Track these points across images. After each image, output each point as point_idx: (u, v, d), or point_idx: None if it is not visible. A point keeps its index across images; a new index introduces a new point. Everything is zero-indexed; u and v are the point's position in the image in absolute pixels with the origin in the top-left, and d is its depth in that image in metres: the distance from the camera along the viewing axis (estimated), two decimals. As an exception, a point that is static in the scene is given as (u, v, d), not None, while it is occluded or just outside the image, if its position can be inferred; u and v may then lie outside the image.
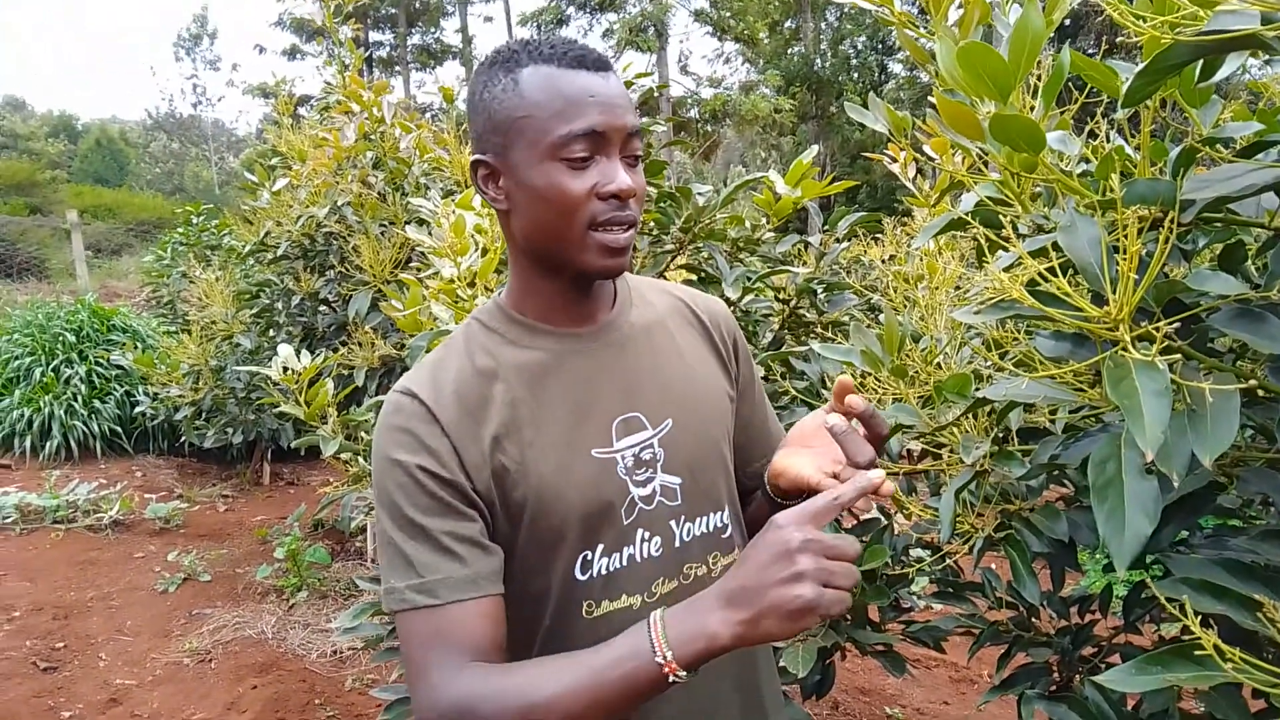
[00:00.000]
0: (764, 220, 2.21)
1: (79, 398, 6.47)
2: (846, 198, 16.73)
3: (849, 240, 2.35)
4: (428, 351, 1.15)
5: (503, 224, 1.00)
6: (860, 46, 20.78)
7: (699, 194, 2.12)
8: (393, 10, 27.70)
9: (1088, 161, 1.02)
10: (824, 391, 1.79)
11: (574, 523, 0.95)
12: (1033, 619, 1.59)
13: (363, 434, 2.26)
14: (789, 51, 20.98)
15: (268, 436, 5.58)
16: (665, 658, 0.78)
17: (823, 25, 21.44)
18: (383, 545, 0.92)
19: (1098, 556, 3.35)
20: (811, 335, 2.27)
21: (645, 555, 0.99)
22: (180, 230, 7.57)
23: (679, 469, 1.01)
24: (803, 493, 1.01)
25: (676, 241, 2.17)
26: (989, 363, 1.24)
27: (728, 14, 21.00)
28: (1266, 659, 0.75)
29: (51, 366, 6.60)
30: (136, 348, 6.00)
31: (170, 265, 7.43)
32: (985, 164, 1.04)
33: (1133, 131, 1.00)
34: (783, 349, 2.07)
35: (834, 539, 0.77)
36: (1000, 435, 1.23)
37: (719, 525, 1.06)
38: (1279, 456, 0.95)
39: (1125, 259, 0.77)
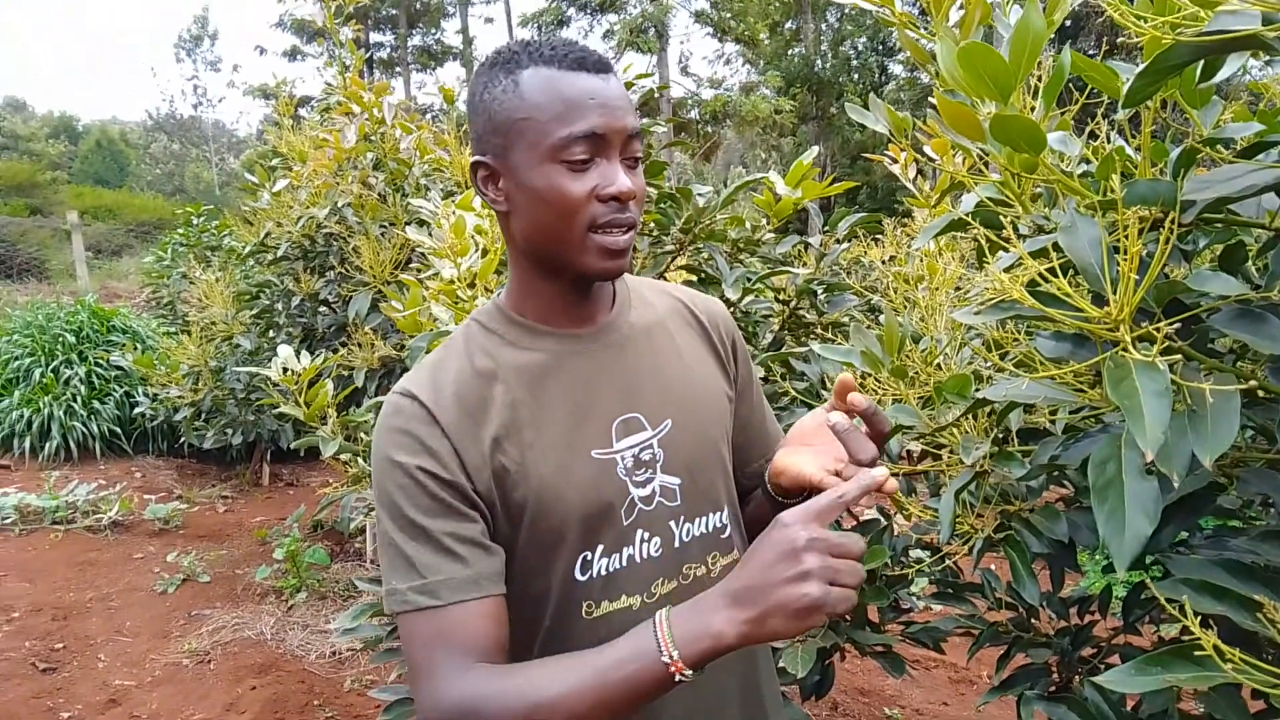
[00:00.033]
0: (764, 221, 2.21)
1: (78, 398, 6.47)
2: (847, 198, 16.75)
3: (849, 241, 2.35)
4: (427, 352, 1.15)
5: (502, 225, 1.00)
6: (861, 47, 20.80)
7: (699, 195, 2.12)
8: (393, 11, 27.73)
9: (1088, 162, 1.02)
10: (824, 392, 1.79)
11: (574, 523, 0.95)
12: (1032, 620, 1.59)
13: (362, 435, 2.26)
14: (789, 52, 21.00)
15: (267, 437, 5.58)
16: (671, 657, 0.78)
17: (823, 26, 21.46)
18: (383, 547, 0.92)
19: (1097, 557, 3.35)
20: (811, 336, 2.27)
21: (645, 556, 0.99)
22: (180, 231, 7.58)
23: (678, 469, 1.01)
24: (804, 491, 1.01)
25: (677, 242, 2.17)
26: (989, 363, 1.24)
27: (728, 15, 21.02)
28: (1266, 660, 0.75)
29: (51, 367, 6.60)
30: (136, 348, 6.00)
31: (170, 266, 7.43)
32: (986, 165, 1.04)
33: (1133, 132, 1.00)
34: (783, 350, 2.07)
35: (839, 537, 0.77)
36: (1000, 436, 1.23)
37: (718, 525, 1.06)
38: (1279, 457, 0.95)
39: (1126, 259, 0.77)
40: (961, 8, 1.08)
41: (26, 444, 6.24)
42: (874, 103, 1.40)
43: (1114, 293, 0.80)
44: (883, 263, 2.48)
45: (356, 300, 3.25)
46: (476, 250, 1.76)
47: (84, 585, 4.44)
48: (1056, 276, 0.81)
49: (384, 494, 0.92)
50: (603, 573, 0.97)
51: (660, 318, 1.09)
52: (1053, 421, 1.23)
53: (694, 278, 2.26)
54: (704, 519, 1.04)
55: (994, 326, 1.11)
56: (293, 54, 26.80)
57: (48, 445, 6.25)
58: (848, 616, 1.73)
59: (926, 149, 1.57)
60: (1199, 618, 0.74)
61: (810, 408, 1.08)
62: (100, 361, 6.69)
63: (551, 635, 0.97)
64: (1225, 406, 0.76)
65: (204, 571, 4.63)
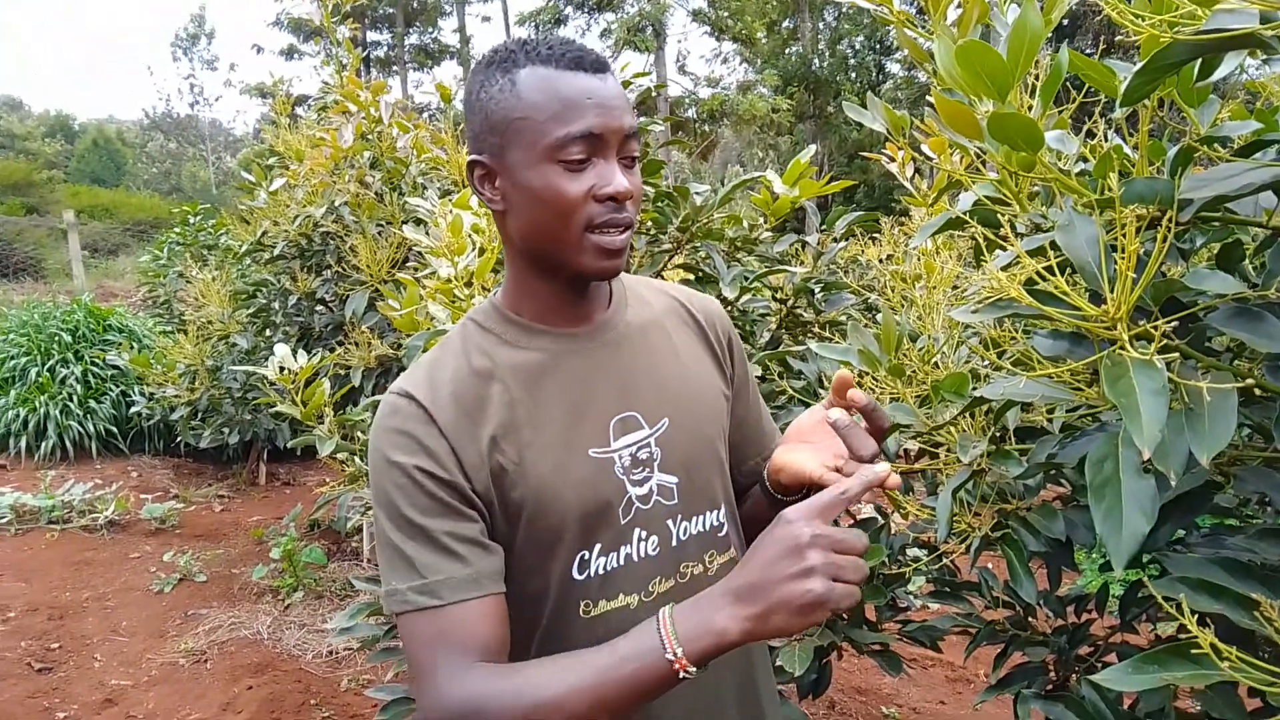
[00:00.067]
0: (761, 220, 2.21)
1: (75, 398, 6.46)
2: (844, 197, 16.73)
3: (846, 240, 2.35)
4: (424, 352, 1.15)
5: (499, 224, 0.99)
6: (858, 46, 20.81)
7: (696, 193, 2.12)
8: (390, 10, 27.69)
9: (1086, 160, 1.02)
10: (821, 391, 1.79)
11: (572, 523, 0.94)
12: (1029, 618, 1.59)
13: (359, 433, 2.26)
14: (787, 51, 21.00)
15: (264, 436, 5.58)
16: (675, 654, 0.78)
17: (820, 25, 21.46)
18: (382, 547, 0.92)
19: (1094, 556, 3.35)
20: (809, 335, 2.27)
21: (642, 554, 0.99)
22: (177, 230, 7.55)
23: (675, 468, 1.01)
24: (804, 488, 1.01)
25: (674, 241, 2.16)
26: (986, 362, 1.24)
27: (725, 14, 21.02)
28: (1263, 658, 0.75)
29: (47, 366, 6.58)
30: (132, 348, 6.01)
31: (167, 265, 7.41)
32: (983, 163, 1.04)
33: (1131, 131, 1.00)
34: (780, 348, 2.07)
35: (842, 533, 0.77)
36: (997, 434, 1.23)
37: (715, 524, 1.06)
38: (1276, 455, 0.95)
39: (1123, 258, 0.77)
40: (959, 6, 1.08)
41: (22, 443, 6.23)
42: (871, 101, 1.40)
43: (1111, 291, 0.80)
44: (880, 261, 2.48)
45: (353, 299, 3.24)
46: (474, 249, 1.76)
47: (80, 585, 4.43)
48: (1054, 275, 0.81)
49: (382, 494, 0.92)
50: (600, 572, 0.96)
51: (656, 316, 1.09)
52: (1050, 420, 1.23)
53: (691, 276, 2.26)
54: (701, 517, 1.04)
55: (991, 325, 1.11)
56: (290, 53, 26.75)
57: (44, 444, 6.24)
58: (845, 615, 1.73)
59: (924, 147, 1.57)
60: (1196, 616, 0.74)
61: (807, 406, 1.08)
62: (96, 361, 6.68)
63: (549, 634, 0.97)
64: (1222, 405, 0.76)
65: (200, 571, 4.62)
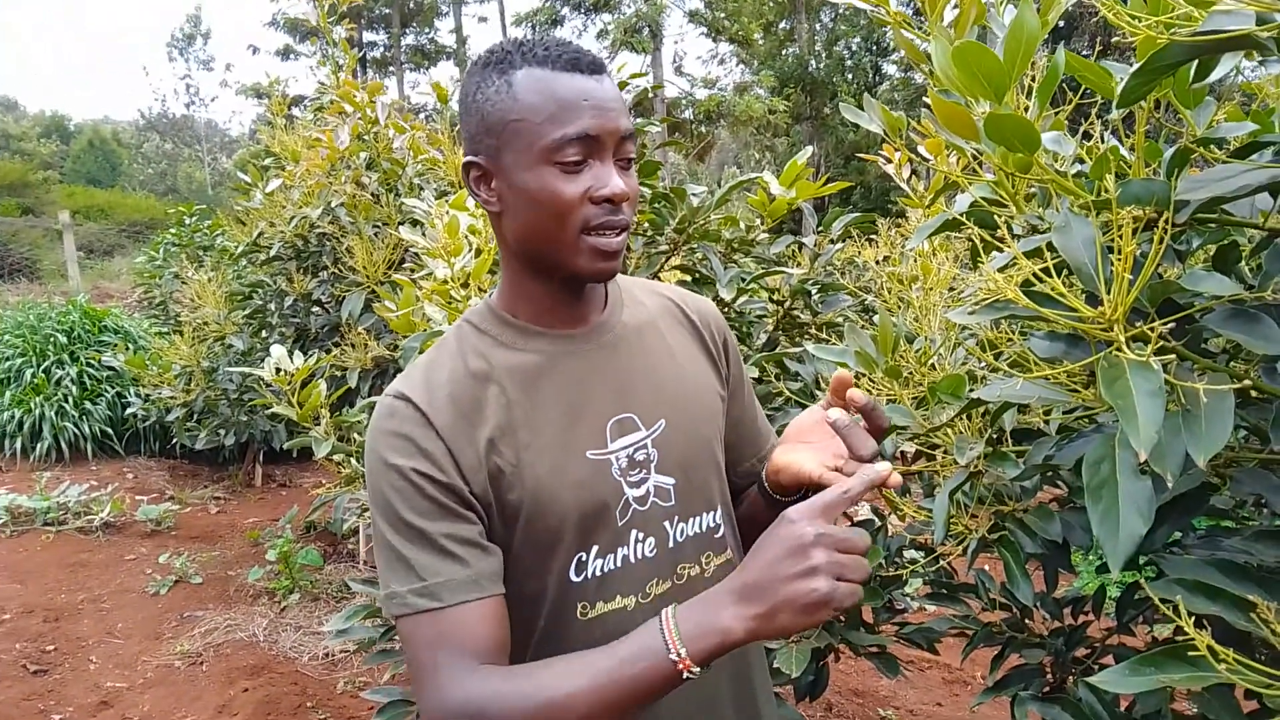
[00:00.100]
0: (758, 221, 2.21)
1: (70, 399, 6.44)
2: (841, 199, 16.78)
3: (843, 241, 2.35)
4: (420, 353, 1.15)
5: (494, 226, 0.99)
6: (855, 48, 20.84)
7: (693, 195, 2.12)
8: (387, 11, 27.68)
9: (1082, 162, 1.02)
10: (818, 393, 1.79)
11: (569, 524, 0.94)
12: (1026, 620, 1.59)
13: (355, 435, 2.25)
14: (783, 52, 21.02)
15: (260, 438, 5.57)
16: (679, 654, 0.78)
17: (817, 26, 21.49)
18: (380, 550, 0.92)
19: (1091, 557, 3.36)
20: (806, 336, 2.27)
21: (640, 556, 0.98)
22: (173, 231, 7.54)
23: (672, 469, 1.01)
24: (803, 488, 1.01)
25: (671, 242, 2.16)
26: (983, 363, 1.24)
27: (722, 15, 21.04)
28: (1260, 660, 0.75)
29: (42, 368, 6.56)
30: (128, 349, 5.98)
31: (162, 266, 7.40)
32: (980, 164, 1.04)
33: (1127, 132, 1.01)
34: (777, 350, 2.07)
35: (845, 532, 0.77)
36: (994, 436, 1.23)
37: (712, 525, 1.06)
38: (1272, 457, 0.95)
39: (1120, 259, 0.77)
40: (956, 7, 1.08)
41: (18, 445, 6.21)
42: (868, 102, 1.40)
43: (1108, 293, 0.80)
44: (877, 263, 2.48)
45: (350, 300, 3.24)
46: (470, 250, 1.75)
47: (75, 587, 4.42)
48: (1050, 276, 0.81)
49: (379, 497, 0.91)
50: (598, 573, 0.96)
51: (652, 317, 1.09)
52: (1047, 422, 1.23)
53: (688, 278, 2.26)
54: (698, 519, 1.04)
55: (988, 327, 1.11)
56: (286, 53, 26.73)
57: (39, 446, 6.22)
58: (842, 617, 1.73)
59: (921, 149, 1.57)
60: (1193, 618, 0.74)
61: (804, 408, 1.08)
62: (92, 362, 6.66)
63: (547, 636, 0.96)
64: (1219, 406, 0.76)
65: (196, 573, 4.61)
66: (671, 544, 1.01)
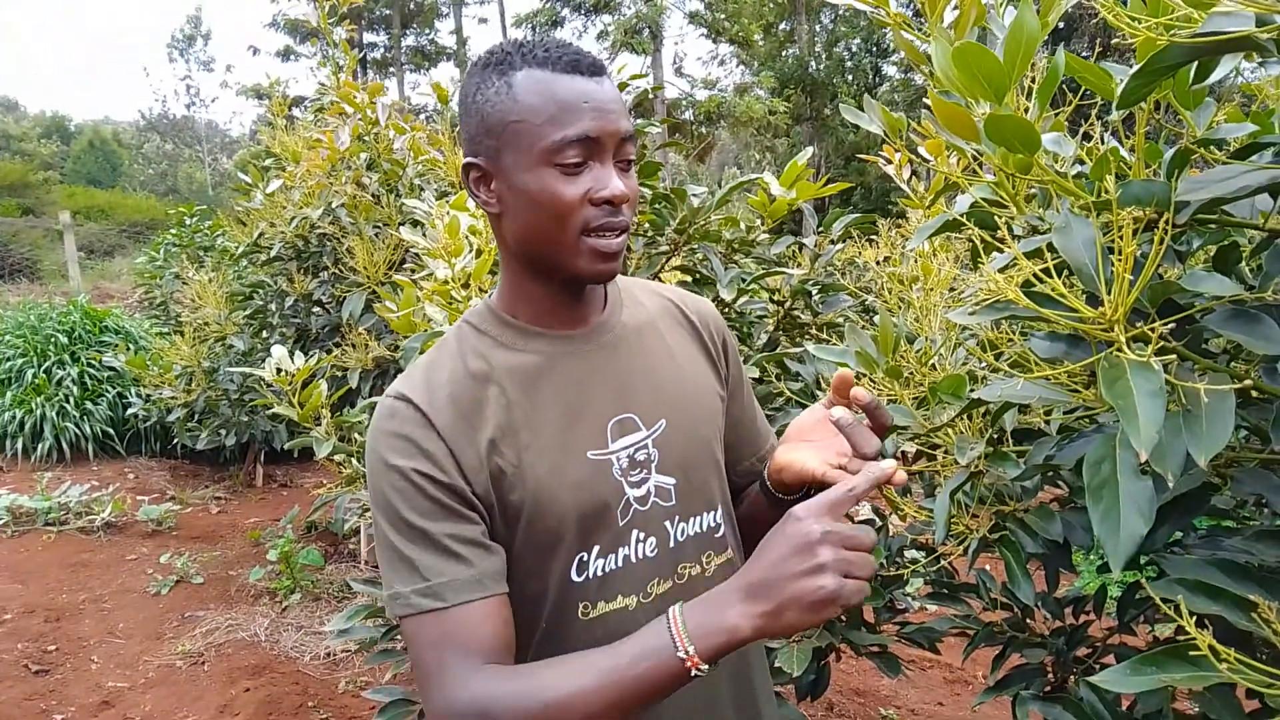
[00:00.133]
0: (759, 222, 2.21)
1: (71, 399, 6.44)
2: (841, 199, 16.77)
3: (844, 242, 2.35)
4: (421, 353, 1.15)
5: (494, 227, 0.99)
6: (855, 49, 20.84)
7: (694, 195, 2.12)
8: (387, 12, 27.68)
9: (1082, 163, 1.02)
10: (819, 393, 1.79)
11: (570, 525, 0.94)
12: (1027, 620, 1.59)
13: (356, 435, 2.25)
14: (783, 53, 21.03)
15: (261, 438, 5.58)
16: (687, 652, 0.78)
17: (817, 28, 21.49)
18: (383, 551, 0.92)
19: (1092, 557, 3.36)
20: (806, 337, 2.27)
21: (641, 556, 0.98)
22: (173, 231, 7.54)
23: (673, 469, 1.01)
24: (805, 486, 1.02)
25: (671, 243, 2.16)
26: (984, 364, 1.24)
27: (722, 16, 21.03)
28: (1261, 659, 0.75)
29: (44, 368, 6.56)
30: (129, 349, 5.99)
31: (163, 266, 7.41)
32: (980, 165, 1.04)
33: (1127, 133, 1.01)
34: (778, 350, 2.07)
35: (852, 529, 0.78)
36: (995, 436, 1.23)
37: (712, 525, 1.06)
38: (1273, 457, 0.95)
39: (1120, 260, 0.77)
40: (956, 8, 1.08)
41: (19, 445, 6.21)
42: (868, 103, 1.40)
43: (1108, 293, 0.80)
44: (877, 263, 2.48)
45: (350, 301, 3.24)
46: (471, 251, 1.75)
47: (77, 587, 4.42)
48: (1051, 277, 0.81)
49: (381, 498, 0.91)
50: (599, 574, 0.96)
51: (651, 318, 1.09)
52: (1047, 422, 1.23)
53: (689, 278, 2.26)
54: (698, 518, 1.04)
55: (989, 327, 1.11)
56: (286, 54, 26.74)
57: (40, 446, 6.22)
58: (844, 616, 1.73)
59: (921, 150, 1.57)
60: (1194, 617, 0.74)
61: (805, 408, 1.08)
62: (93, 362, 6.66)
63: (548, 636, 0.96)
64: (1220, 406, 0.77)
65: (197, 573, 4.62)
66: (672, 544, 1.01)
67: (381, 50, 28.80)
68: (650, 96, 2.50)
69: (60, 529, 5.11)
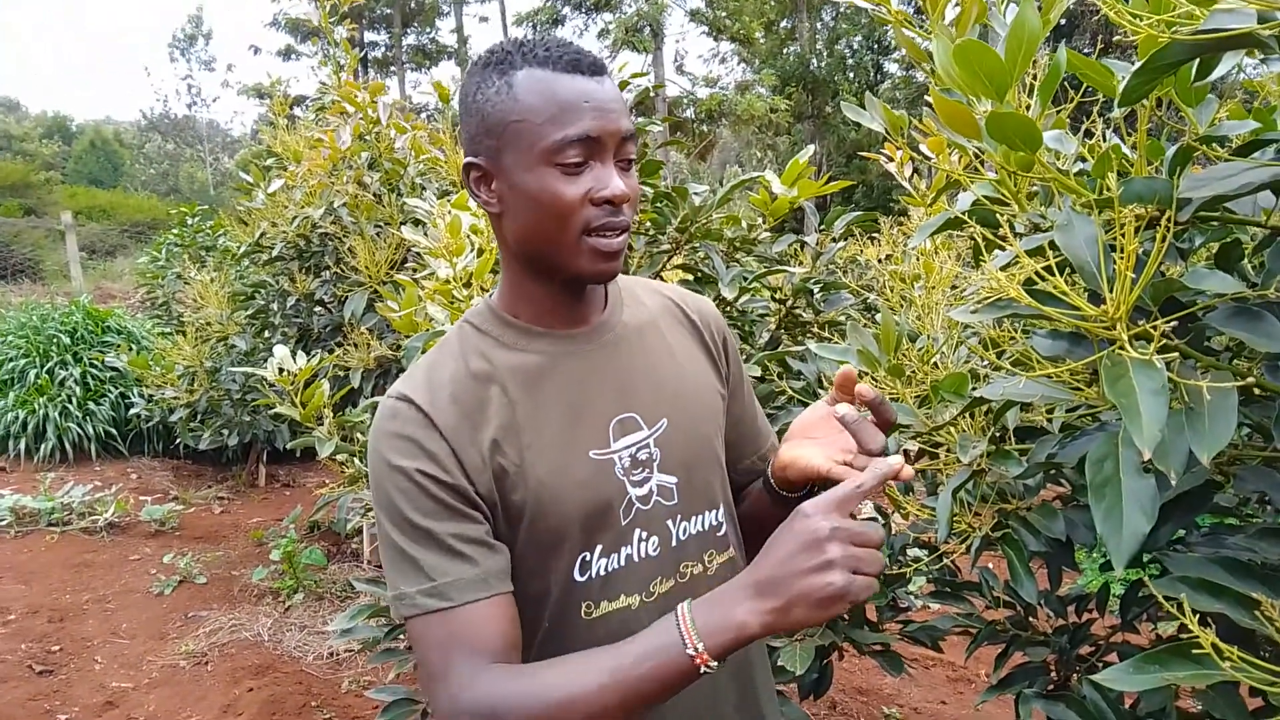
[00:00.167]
0: (760, 220, 2.21)
1: (74, 400, 6.45)
2: (843, 197, 16.74)
3: (845, 240, 2.35)
4: (423, 353, 1.15)
5: (495, 227, 0.99)
6: (856, 46, 20.80)
7: (695, 194, 2.12)
8: (388, 11, 27.69)
9: (1084, 160, 1.02)
10: (820, 391, 1.79)
11: (573, 524, 0.94)
12: (1030, 618, 1.59)
13: (358, 435, 2.25)
14: (785, 51, 21.00)
15: (263, 438, 5.58)
16: (697, 649, 0.78)
17: (818, 25, 21.47)
18: (387, 551, 0.92)
19: (1095, 555, 3.35)
20: (808, 335, 2.27)
21: (643, 555, 0.98)
22: (175, 231, 7.55)
23: (675, 468, 1.01)
24: (810, 483, 1.02)
25: (673, 241, 2.16)
26: (986, 362, 1.24)
27: (723, 14, 21.03)
28: (1264, 657, 0.75)
29: (46, 368, 6.57)
30: (131, 349, 6.00)
31: (165, 266, 7.41)
32: (982, 163, 1.04)
33: (1129, 130, 1.00)
34: (779, 349, 2.07)
35: (860, 526, 0.78)
36: (997, 434, 1.23)
37: (714, 523, 1.06)
38: (1276, 454, 0.95)
39: (1122, 257, 0.77)
40: (957, 6, 1.08)
41: (22, 445, 6.22)
42: (870, 101, 1.40)
43: (1110, 291, 0.80)
44: (879, 261, 2.48)
45: (352, 300, 3.24)
46: (472, 250, 1.76)
47: (80, 587, 4.43)
48: (1053, 275, 0.81)
49: (384, 499, 0.91)
50: (601, 573, 0.96)
51: (652, 317, 1.09)
52: (1050, 420, 1.23)
53: (690, 277, 2.26)
54: (701, 517, 1.04)
55: (990, 325, 1.11)
56: (287, 53, 26.74)
57: (43, 447, 6.23)
58: (846, 615, 1.73)
59: (922, 147, 1.57)
60: (1197, 615, 0.74)
61: (807, 406, 1.08)
62: (95, 362, 6.67)
63: (551, 636, 0.97)
64: (1222, 404, 0.76)
65: (200, 573, 4.62)
66: (674, 543, 1.01)
67: (382, 49, 28.80)
68: (651, 95, 2.50)
69: (63, 529, 5.11)
